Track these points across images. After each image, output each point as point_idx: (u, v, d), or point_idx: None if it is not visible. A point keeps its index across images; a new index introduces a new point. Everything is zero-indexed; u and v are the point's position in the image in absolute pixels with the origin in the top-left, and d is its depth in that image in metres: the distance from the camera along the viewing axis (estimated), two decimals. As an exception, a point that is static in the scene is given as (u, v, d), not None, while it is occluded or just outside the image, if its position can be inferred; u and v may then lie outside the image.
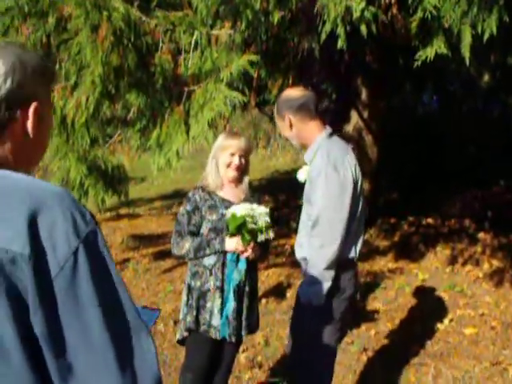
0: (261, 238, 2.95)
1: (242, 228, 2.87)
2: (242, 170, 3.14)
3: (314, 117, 2.88)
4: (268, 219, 2.93)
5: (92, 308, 0.99)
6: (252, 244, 2.95)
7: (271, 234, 2.99)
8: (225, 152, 3.09)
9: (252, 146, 3.30)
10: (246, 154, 3.15)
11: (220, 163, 3.11)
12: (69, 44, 3.88)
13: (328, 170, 2.71)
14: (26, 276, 0.96)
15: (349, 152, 2.88)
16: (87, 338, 0.99)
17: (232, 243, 2.96)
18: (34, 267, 0.96)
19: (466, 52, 3.47)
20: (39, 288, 0.96)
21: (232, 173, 3.10)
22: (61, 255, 0.98)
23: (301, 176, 3.06)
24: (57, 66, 4.08)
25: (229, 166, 3.09)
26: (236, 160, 3.09)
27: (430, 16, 3.24)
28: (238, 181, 3.17)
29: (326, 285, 2.77)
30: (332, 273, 2.76)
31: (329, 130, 2.92)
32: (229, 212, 2.91)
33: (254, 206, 2.94)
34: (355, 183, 2.79)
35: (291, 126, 2.88)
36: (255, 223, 2.88)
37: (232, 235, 2.94)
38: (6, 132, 1.13)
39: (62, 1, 3.83)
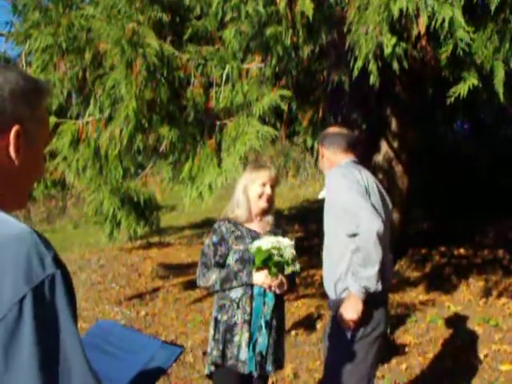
0: (287, 270, 2.95)
1: (268, 261, 2.87)
2: (272, 200, 3.17)
3: (346, 152, 3.10)
4: (294, 251, 2.92)
5: (31, 367, 0.90)
6: (279, 278, 2.95)
7: (297, 267, 2.98)
8: (255, 183, 3.11)
9: (278, 176, 3.37)
10: (275, 184, 3.19)
11: (251, 194, 3.12)
12: (104, 79, 3.99)
13: (333, 177, 2.96)
14: None
15: (362, 170, 3.04)
16: None
17: (259, 276, 2.95)
18: None
19: (499, 87, 3.47)
20: None
21: (264, 203, 3.12)
22: (4, 304, 0.90)
23: (321, 194, 3.19)
24: (92, 100, 4.19)
25: (261, 196, 3.11)
26: (268, 190, 3.11)
27: (461, 52, 3.25)
28: (266, 212, 3.18)
29: (376, 269, 2.74)
30: (380, 252, 2.72)
31: (354, 158, 3.12)
32: (254, 245, 2.92)
33: (280, 238, 2.95)
34: (369, 193, 2.90)
35: (323, 156, 3.16)
36: (281, 256, 2.88)
37: (258, 268, 2.94)
38: None
39: (98, 37, 3.95)
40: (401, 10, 3.03)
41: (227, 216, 3.17)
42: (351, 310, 2.81)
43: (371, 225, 2.69)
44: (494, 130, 10.53)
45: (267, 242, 2.89)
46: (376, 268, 2.73)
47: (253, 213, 3.15)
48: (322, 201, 3.10)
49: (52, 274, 0.95)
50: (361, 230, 2.72)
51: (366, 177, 2.99)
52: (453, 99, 3.68)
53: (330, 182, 3.00)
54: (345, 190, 2.86)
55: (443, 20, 3.08)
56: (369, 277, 2.75)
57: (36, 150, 1.14)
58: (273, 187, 3.16)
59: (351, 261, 2.84)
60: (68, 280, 0.99)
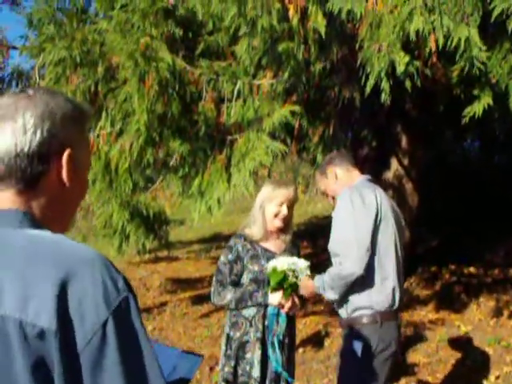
0: (302, 291, 2.95)
1: (283, 282, 2.86)
2: (288, 220, 3.13)
3: (356, 167, 3.13)
4: (309, 272, 2.91)
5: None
6: (294, 299, 2.94)
7: None
8: (273, 202, 3.06)
9: (298, 195, 3.33)
10: (293, 204, 3.14)
11: (267, 213, 3.07)
12: (116, 92, 4.01)
13: (342, 199, 2.92)
14: (53, 351, 0.91)
15: (376, 189, 3.01)
16: None
17: (274, 297, 2.93)
18: (60, 342, 0.91)
19: None
20: (65, 363, 0.91)
21: (279, 223, 3.08)
22: (88, 328, 0.93)
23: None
24: (103, 113, 4.21)
25: (276, 216, 3.06)
26: (284, 210, 3.06)
27: (477, 71, 3.23)
28: (283, 231, 3.15)
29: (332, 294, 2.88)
30: (343, 286, 2.83)
31: (368, 176, 3.13)
32: (269, 266, 2.89)
33: (295, 259, 2.92)
34: (381, 216, 2.89)
35: (337, 178, 3.09)
36: (296, 277, 2.86)
37: (274, 289, 2.92)
38: (41, 185, 1.08)
39: (111, 51, 3.97)
40: (416, 30, 3.03)
41: (243, 231, 3.14)
42: (305, 290, 3.00)
43: (352, 269, 2.76)
44: (505, 148, 10.47)
45: (282, 263, 2.86)
46: (332, 296, 2.91)
47: (268, 231, 3.11)
48: (331, 217, 3.08)
49: (126, 297, 0.99)
50: (342, 269, 2.80)
51: (380, 198, 2.93)
52: (467, 119, 3.65)
53: (338, 204, 2.95)
54: (346, 221, 2.84)
55: (459, 39, 3.06)
56: (326, 293, 2.93)
57: (82, 174, 1.18)
58: (290, 207, 3.10)
59: (362, 280, 2.83)
60: (137, 301, 1.03)
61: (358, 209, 2.82)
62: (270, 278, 2.87)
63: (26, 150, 1.06)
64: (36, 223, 1.07)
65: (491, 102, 3.53)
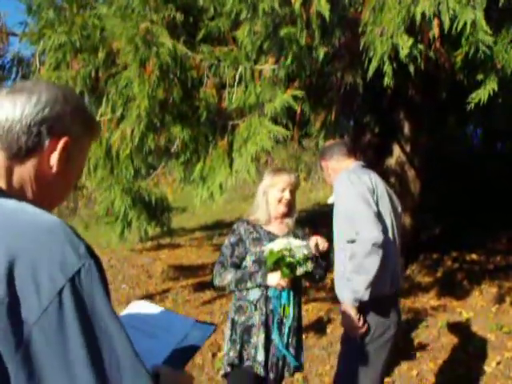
0: (300, 270, 2.94)
1: (280, 262, 2.87)
2: (292, 204, 3.17)
3: (349, 156, 3.15)
4: (306, 251, 2.91)
5: (78, 353, 0.91)
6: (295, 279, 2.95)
7: (310, 266, 2.96)
8: (275, 188, 3.12)
9: (299, 181, 3.37)
10: (295, 189, 3.19)
11: (270, 199, 3.13)
12: (117, 78, 3.98)
13: (340, 182, 2.95)
14: (3, 320, 0.88)
15: (371, 173, 3.04)
16: None
17: (274, 278, 2.94)
18: (11, 311, 0.89)
19: None
20: (16, 333, 0.88)
21: (282, 208, 3.13)
22: (44, 296, 0.91)
23: (330, 199, 3.20)
24: (104, 99, 4.19)
25: (280, 201, 3.12)
26: (287, 195, 3.12)
27: (482, 55, 3.20)
28: (286, 215, 3.18)
29: (367, 278, 2.71)
30: (375, 262, 2.69)
31: (359, 162, 3.15)
32: (266, 248, 2.92)
33: (291, 239, 2.94)
34: (377, 197, 2.90)
35: (328, 169, 3.18)
36: (293, 256, 2.87)
37: (271, 270, 2.93)
38: (29, 160, 1.11)
39: (111, 36, 3.95)
40: (422, 13, 2.99)
41: (248, 217, 3.19)
42: (346, 320, 2.81)
43: (369, 234, 2.68)
44: (508, 135, 10.43)
45: (279, 244, 2.89)
46: (368, 277, 2.71)
47: (272, 216, 3.16)
48: (333, 205, 3.09)
49: (87, 264, 0.96)
50: (358, 237, 2.72)
51: (375, 181, 2.98)
52: (473, 105, 3.62)
53: (336, 186, 2.99)
54: (349, 195, 2.85)
55: (464, 23, 3.03)
56: (358, 283, 2.73)
57: (71, 169, 1.19)
58: (292, 192, 3.17)
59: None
60: (101, 268, 1.01)
61: (356, 184, 2.86)
62: (267, 258, 2.89)
63: (29, 119, 1.10)
64: (5, 193, 1.07)
65: (496, 88, 3.49)
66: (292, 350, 3.02)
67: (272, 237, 3.06)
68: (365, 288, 2.73)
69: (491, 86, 3.48)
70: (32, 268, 0.91)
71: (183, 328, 1.46)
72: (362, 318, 2.81)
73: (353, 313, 2.77)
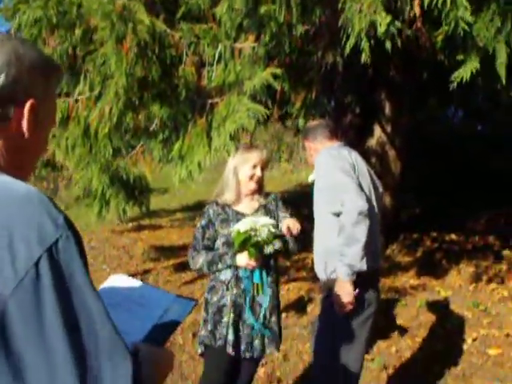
0: (267, 249, 2.93)
1: (246, 243, 2.86)
2: (261, 182, 3.15)
3: (331, 138, 3.16)
4: (273, 229, 2.88)
5: (55, 326, 0.89)
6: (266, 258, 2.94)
7: (277, 245, 2.96)
8: (247, 164, 3.08)
9: (270, 157, 3.36)
10: (265, 166, 3.17)
11: (241, 176, 3.09)
12: (94, 55, 3.92)
13: (324, 156, 2.98)
14: None
15: (352, 151, 3.08)
16: (48, 359, 0.88)
17: (242, 258, 2.93)
18: None
19: (501, 70, 3.41)
20: None
21: (253, 185, 3.10)
22: (20, 266, 0.88)
23: (311, 177, 3.26)
24: (82, 77, 4.13)
25: (251, 178, 3.08)
26: (258, 172, 3.09)
27: (462, 33, 3.19)
28: (256, 192, 3.16)
29: (359, 247, 2.72)
30: (363, 230, 2.71)
31: (341, 143, 3.17)
32: (233, 230, 2.91)
33: (257, 218, 2.93)
34: (358, 172, 2.93)
35: (310, 149, 3.21)
36: (259, 236, 2.85)
37: (239, 251, 2.93)
38: None
39: (89, 13, 3.87)
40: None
41: (216, 199, 3.16)
42: (343, 295, 2.80)
43: (354, 204, 2.69)
44: (488, 116, 10.51)
45: (244, 224, 2.87)
46: (359, 246, 2.72)
47: (242, 194, 3.13)
48: (313, 184, 3.10)
49: (65, 235, 0.94)
50: (344, 209, 2.73)
51: (355, 158, 3.00)
52: (455, 85, 3.62)
53: (318, 162, 3.00)
54: (331, 169, 2.86)
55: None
56: (353, 255, 2.74)
57: (42, 127, 1.15)
58: (263, 169, 3.14)
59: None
60: (80, 240, 0.98)
61: (337, 157, 2.90)
62: (234, 240, 2.89)
63: None
64: None
65: (478, 66, 3.49)
66: (270, 328, 3.03)
67: (240, 217, 3.02)
68: (360, 258, 2.74)
69: (473, 64, 3.47)
70: (8, 238, 0.89)
71: (163, 303, 1.44)
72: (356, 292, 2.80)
73: (350, 287, 2.77)
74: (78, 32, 4.02)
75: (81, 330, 0.91)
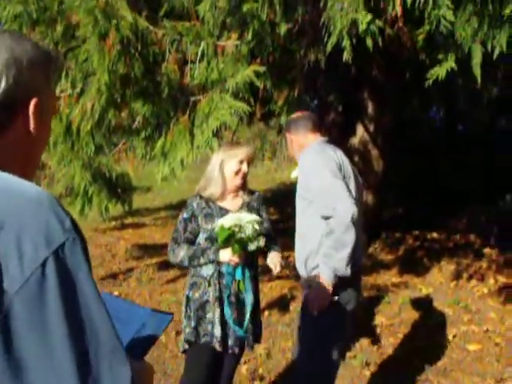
0: (251, 246, 2.93)
1: (231, 239, 2.86)
2: (246, 177, 3.14)
3: (313, 132, 3.11)
4: (257, 226, 2.89)
5: (58, 327, 0.89)
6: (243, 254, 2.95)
7: (261, 242, 2.95)
8: (233, 160, 3.06)
9: (255, 153, 3.36)
10: (251, 162, 3.17)
11: (227, 171, 3.07)
12: (76, 51, 3.90)
13: (307, 157, 2.95)
14: None
15: (336, 150, 3.05)
16: (49, 360, 0.88)
17: (225, 254, 2.94)
18: None
19: (476, 70, 3.45)
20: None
21: (239, 180, 3.09)
22: (26, 266, 0.88)
23: (293, 174, 3.22)
24: (63, 74, 4.10)
25: (237, 173, 3.07)
26: (245, 167, 3.08)
27: (444, 30, 3.22)
28: (240, 188, 3.15)
29: (347, 253, 2.72)
30: (352, 236, 2.71)
31: (325, 138, 3.13)
32: (217, 224, 2.90)
33: (242, 214, 2.93)
34: (343, 171, 2.91)
35: (292, 143, 3.18)
36: (244, 233, 2.85)
37: (223, 246, 2.93)
38: (6, 134, 1.05)
39: (70, 9, 3.85)
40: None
41: (199, 193, 3.14)
42: (320, 297, 2.81)
43: (347, 210, 2.68)
44: (467, 116, 10.64)
45: (229, 220, 2.86)
46: (347, 251, 2.72)
47: (227, 190, 3.11)
48: (296, 184, 3.09)
49: (72, 238, 0.94)
50: (336, 212, 2.70)
51: (340, 157, 2.99)
52: (431, 82, 3.66)
53: (303, 162, 2.97)
54: (319, 169, 2.83)
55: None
56: (339, 259, 2.73)
57: (47, 121, 1.15)
58: (249, 165, 3.13)
59: (322, 240, 2.83)
60: (85, 244, 0.99)
61: (324, 159, 2.87)
62: (218, 235, 2.88)
63: None
64: None
65: (454, 66, 3.54)
66: (250, 324, 3.04)
67: (224, 213, 3.02)
68: (346, 264, 2.74)
69: (449, 64, 3.52)
70: (17, 237, 0.89)
71: (140, 317, 1.43)
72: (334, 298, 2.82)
73: (329, 291, 2.76)
74: (59, 28, 3.99)
75: (83, 333, 0.92)
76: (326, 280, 2.77)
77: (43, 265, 0.89)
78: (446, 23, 3.25)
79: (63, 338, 0.89)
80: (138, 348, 1.34)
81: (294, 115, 3.29)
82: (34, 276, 0.89)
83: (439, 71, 3.56)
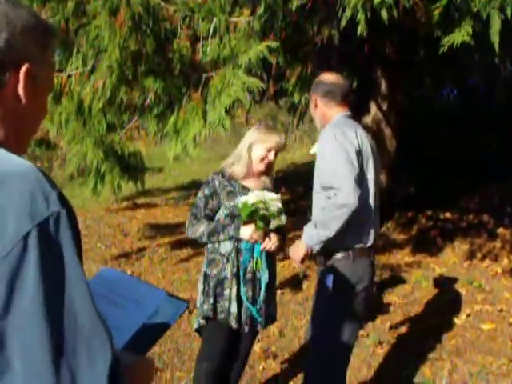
0: (274, 223, 2.93)
1: (254, 215, 2.86)
2: (272, 166, 3.13)
3: (340, 104, 2.98)
4: (280, 205, 2.91)
5: (34, 303, 0.86)
6: (271, 235, 2.94)
7: (283, 219, 2.96)
8: (262, 145, 3.03)
9: (286, 144, 3.30)
10: (280, 152, 3.14)
11: (254, 154, 3.05)
12: (87, 28, 3.86)
13: (327, 138, 2.85)
14: None
15: (360, 128, 2.97)
16: (25, 336, 0.86)
17: (246, 231, 2.93)
18: None
19: (495, 38, 3.36)
20: None
21: (263, 167, 3.07)
22: (8, 239, 0.87)
23: (313, 150, 3.14)
24: (74, 51, 4.07)
25: (263, 160, 3.04)
26: (271, 156, 3.05)
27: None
28: (264, 174, 3.13)
29: (325, 234, 2.74)
30: (339, 224, 2.71)
31: (348, 112, 3.01)
32: (240, 200, 2.90)
33: (265, 192, 2.93)
34: (362, 155, 2.84)
35: (316, 106, 3.03)
36: (267, 209, 2.86)
37: (245, 223, 2.92)
38: None
39: (81, -16, 3.82)
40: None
41: (224, 169, 3.12)
42: (296, 252, 2.87)
43: (345, 199, 2.66)
44: (483, 95, 10.48)
45: (253, 197, 2.87)
46: (325, 233, 2.74)
47: (250, 172, 3.09)
48: (309, 164, 3.04)
49: (57, 212, 0.92)
50: (335, 198, 2.70)
51: (360, 137, 2.88)
52: (445, 49, 3.58)
53: (322, 142, 2.89)
54: (334, 154, 2.77)
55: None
56: (316, 235, 2.76)
57: (41, 92, 1.11)
58: (277, 154, 3.10)
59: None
60: (73, 219, 0.96)
61: (342, 142, 2.78)
62: (241, 211, 2.87)
63: None
64: None
65: (470, 31, 3.43)
66: (263, 304, 3.03)
67: (246, 191, 3.01)
68: (319, 241, 2.77)
69: (466, 29, 3.42)
70: (0, 211, 0.88)
71: (154, 301, 1.38)
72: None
73: (304, 250, 2.83)
74: (70, 4, 3.95)
75: (60, 313, 0.89)
76: (304, 244, 2.82)
77: (25, 238, 0.87)
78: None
79: (39, 316, 0.87)
80: (148, 335, 1.29)
81: (327, 77, 3.07)
82: (15, 249, 0.87)
83: (455, 37, 3.45)
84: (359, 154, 2.81)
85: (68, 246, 0.92)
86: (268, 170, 3.12)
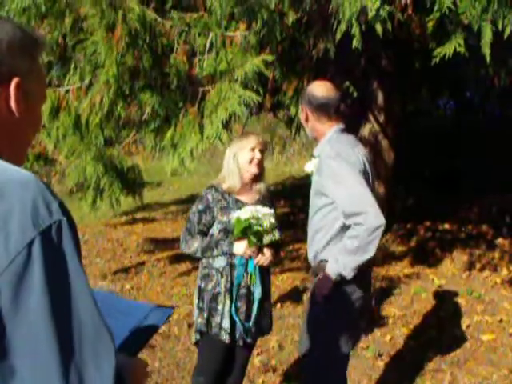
0: (267, 239, 2.94)
1: (247, 231, 2.86)
2: (262, 167, 3.12)
3: (332, 118, 2.87)
4: (273, 220, 2.92)
5: (41, 310, 0.88)
6: (264, 250, 2.95)
7: (277, 234, 2.97)
8: (245, 149, 3.05)
9: (267, 143, 3.33)
10: (264, 150, 3.14)
11: (241, 161, 3.05)
12: (84, 44, 3.90)
13: (332, 158, 2.74)
14: None
15: (357, 145, 2.91)
16: (32, 342, 0.88)
17: (239, 246, 2.94)
18: None
19: (486, 49, 3.38)
20: None
21: (254, 169, 3.06)
22: (12, 247, 0.88)
23: (308, 167, 3.04)
24: (72, 67, 4.10)
25: (251, 161, 3.05)
26: (257, 154, 3.06)
27: (447, 12, 3.17)
28: (258, 178, 3.13)
29: (361, 259, 2.66)
30: (375, 246, 2.65)
31: (341, 126, 2.91)
32: (233, 216, 2.91)
33: (259, 207, 2.94)
34: (364, 173, 2.78)
35: (307, 119, 2.92)
36: (260, 225, 2.86)
37: (238, 239, 2.93)
38: None
39: (79, 1, 3.85)
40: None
41: (219, 184, 3.11)
42: (322, 288, 2.78)
43: (376, 219, 2.60)
44: (479, 108, 10.54)
45: (246, 212, 2.88)
46: (364, 258, 2.67)
47: (244, 181, 3.08)
48: (307, 177, 3.03)
49: (59, 220, 0.94)
50: (368, 224, 2.61)
51: (358, 154, 2.83)
52: (438, 60, 3.60)
53: (324, 162, 2.79)
54: (346, 177, 2.70)
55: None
56: (349, 262, 2.68)
57: (34, 104, 1.13)
58: (262, 152, 3.10)
59: (336, 235, 2.79)
60: (74, 227, 0.98)
61: (348, 162, 2.73)
62: (234, 227, 2.88)
63: None
64: None
65: (462, 42, 3.46)
66: (260, 319, 3.05)
67: (241, 205, 3.02)
68: (353, 268, 2.69)
69: (457, 41, 3.45)
70: (3, 219, 0.89)
71: (142, 312, 1.44)
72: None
73: (330, 285, 2.74)
74: (67, 21, 3.99)
75: (67, 318, 0.91)
76: (331, 276, 2.73)
77: (29, 246, 0.89)
78: (449, 4, 3.19)
79: (46, 322, 0.88)
80: (138, 339, 1.34)
81: (318, 90, 2.87)
82: (19, 257, 0.88)
83: (446, 49, 3.48)
84: (362, 171, 2.78)
85: (70, 252, 0.94)
86: (260, 169, 3.09)
